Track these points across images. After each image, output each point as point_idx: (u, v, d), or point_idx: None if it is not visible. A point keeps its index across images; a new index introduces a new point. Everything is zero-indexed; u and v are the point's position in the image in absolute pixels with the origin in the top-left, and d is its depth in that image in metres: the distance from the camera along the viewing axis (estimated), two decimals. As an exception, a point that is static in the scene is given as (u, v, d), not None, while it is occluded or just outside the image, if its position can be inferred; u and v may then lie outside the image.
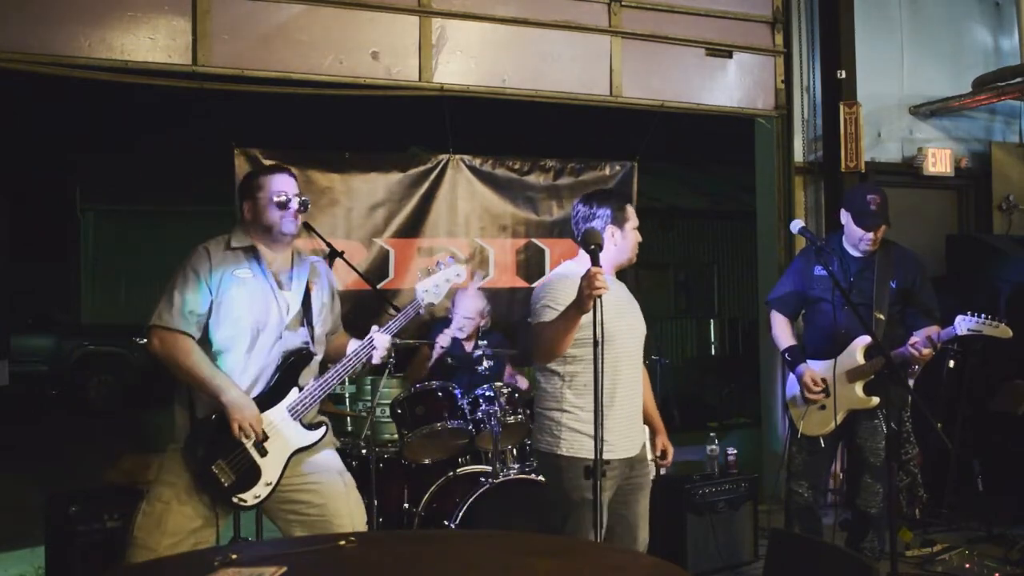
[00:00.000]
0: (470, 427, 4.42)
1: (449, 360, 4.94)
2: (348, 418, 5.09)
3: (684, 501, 4.59)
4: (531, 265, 5.69)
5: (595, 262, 2.78)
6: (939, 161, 6.44)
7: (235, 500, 2.91)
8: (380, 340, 3.06)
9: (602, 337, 2.64)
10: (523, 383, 4.90)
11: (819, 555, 2.49)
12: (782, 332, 4.39)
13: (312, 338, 3.07)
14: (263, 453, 2.94)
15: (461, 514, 4.12)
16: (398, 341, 4.62)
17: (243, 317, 2.95)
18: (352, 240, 5.33)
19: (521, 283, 5.63)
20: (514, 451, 4.60)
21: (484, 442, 4.44)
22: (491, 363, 4.64)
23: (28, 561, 4.70)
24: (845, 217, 4.21)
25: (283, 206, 3.03)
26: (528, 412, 4.32)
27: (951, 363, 5.24)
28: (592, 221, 3.12)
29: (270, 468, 2.96)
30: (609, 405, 2.90)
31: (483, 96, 5.52)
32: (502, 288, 5.63)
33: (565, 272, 3.13)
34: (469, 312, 4.95)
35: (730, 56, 6.11)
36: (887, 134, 6.42)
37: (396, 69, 5.27)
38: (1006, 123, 6.87)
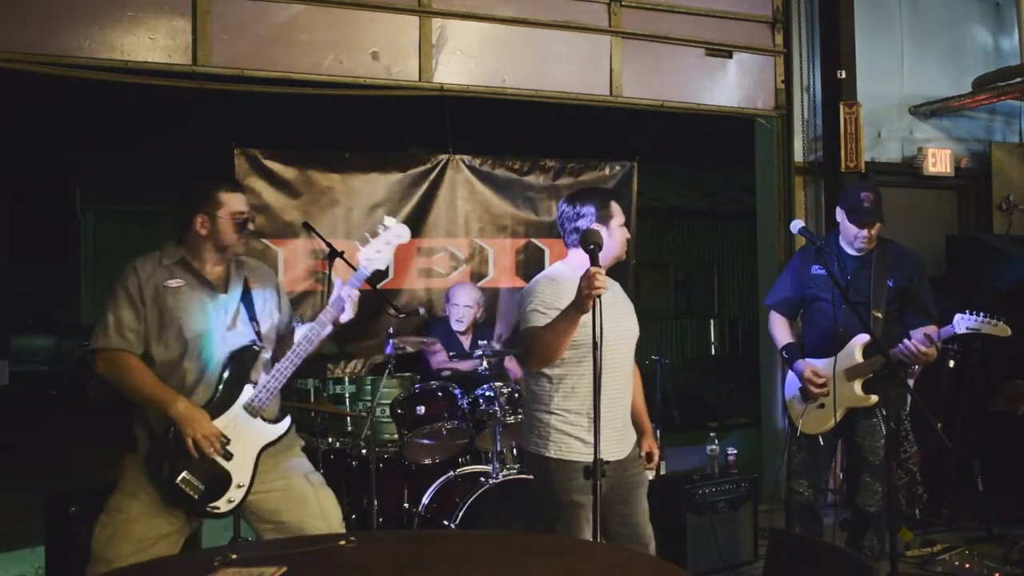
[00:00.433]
0: (470, 427, 4.42)
1: (450, 354, 4.95)
2: (348, 418, 5.09)
3: (684, 501, 4.59)
4: (531, 265, 5.69)
5: (595, 262, 2.77)
6: (939, 161, 6.44)
7: (209, 509, 2.88)
8: (350, 292, 3.01)
9: (600, 338, 2.64)
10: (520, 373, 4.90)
11: (819, 555, 2.49)
12: (780, 331, 4.40)
13: (259, 335, 3.04)
14: (228, 457, 2.90)
15: (461, 514, 4.12)
16: (397, 343, 4.67)
17: (180, 326, 2.93)
18: (352, 240, 5.31)
19: (521, 283, 5.63)
20: (514, 451, 4.61)
21: (484, 442, 4.45)
22: (491, 363, 4.65)
23: (28, 561, 4.70)
24: (840, 215, 4.22)
25: (242, 227, 3.02)
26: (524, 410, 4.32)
27: (951, 363, 5.24)
28: (578, 221, 3.10)
29: (239, 470, 2.92)
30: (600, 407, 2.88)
31: (483, 96, 5.52)
32: (502, 288, 5.64)
33: (551, 274, 3.12)
34: (466, 301, 4.97)
35: (730, 56, 6.11)
36: (887, 134, 6.42)
37: (396, 69, 5.28)
38: (1006, 123, 6.87)
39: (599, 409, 2.65)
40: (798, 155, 6.20)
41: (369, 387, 5.22)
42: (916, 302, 4.17)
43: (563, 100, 5.71)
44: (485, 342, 4.81)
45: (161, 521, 2.88)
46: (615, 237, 3.13)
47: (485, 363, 4.56)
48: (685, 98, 6.01)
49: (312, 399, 5.10)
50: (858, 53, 6.07)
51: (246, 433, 2.95)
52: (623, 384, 3.15)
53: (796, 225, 4.04)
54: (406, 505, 4.54)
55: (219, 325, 2.98)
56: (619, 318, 3.12)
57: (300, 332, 3.11)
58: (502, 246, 5.68)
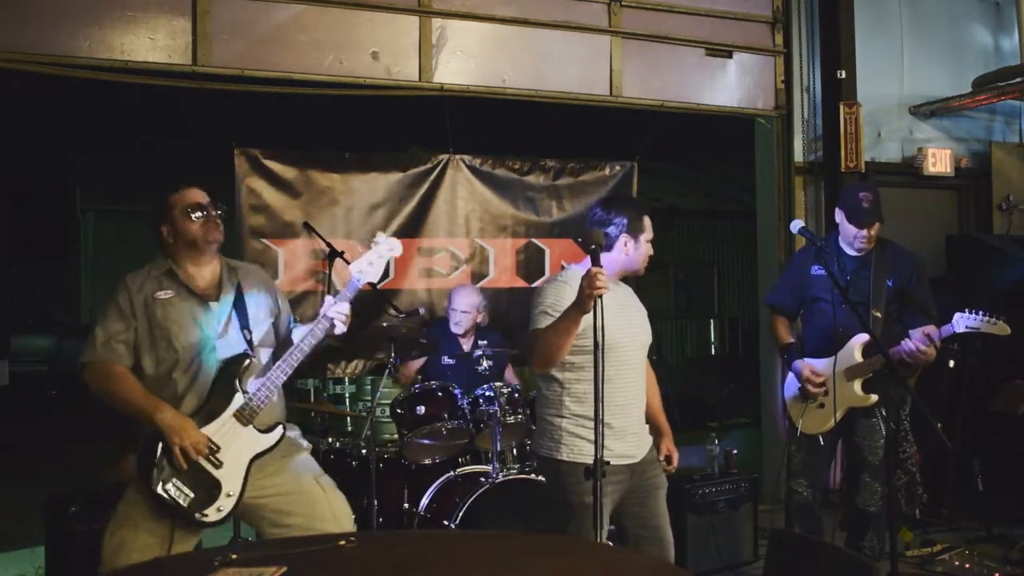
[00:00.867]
0: (470, 427, 4.42)
1: (446, 359, 4.95)
2: (348, 418, 5.09)
3: (684, 501, 4.59)
4: (531, 265, 5.69)
5: (596, 262, 2.78)
6: (939, 161, 6.44)
7: (197, 517, 2.86)
8: (342, 307, 2.97)
9: (603, 341, 2.63)
10: (517, 383, 4.90)
11: (819, 555, 2.49)
12: (781, 331, 4.40)
13: (251, 343, 3.01)
14: (218, 465, 2.88)
15: (461, 514, 4.12)
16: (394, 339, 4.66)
17: (171, 338, 2.92)
18: (352, 240, 5.33)
19: (521, 283, 5.63)
20: (514, 451, 4.60)
21: (484, 442, 4.45)
22: (491, 363, 4.65)
23: (28, 561, 4.69)
24: (839, 216, 4.22)
25: (202, 215, 2.99)
26: (528, 412, 4.33)
27: (951, 363, 5.25)
28: (607, 227, 3.10)
29: (229, 479, 2.90)
30: (611, 412, 2.88)
31: (483, 96, 5.52)
32: (502, 288, 5.64)
33: (563, 277, 3.12)
34: (465, 306, 4.95)
35: (730, 56, 6.11)
36: (887, 134, 6.42)
37: (396, 69, 5.28)
38: (1006, 123, 6.87)
39: (600, 409, 2.64)
40: (798, 155, 6.20)
41: (369, 387, 5.23)
42: (916, 302, 4.17)
43: (563, 100, 5.71)
44: (485, 341, 4.81)
45: (158, 528, 2.87)
46: (640, 251, 3.15)
47: (485, 363, 4.56)
48: (685, 98, 6.01)
49: (312, 399, 5.11)
50: (858, 53, 6.07)
51: (237, 441, 2.93)
52: (636, 388, 3.15)
53: (796, 225, 4.04)
54: (406, 505, 4.54)
55: (210, 334, 2.97)
56: (630, 322, 3.12)
57: (296, 335, 3.10)
58: (503, 246, 5.68)
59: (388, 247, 3.08)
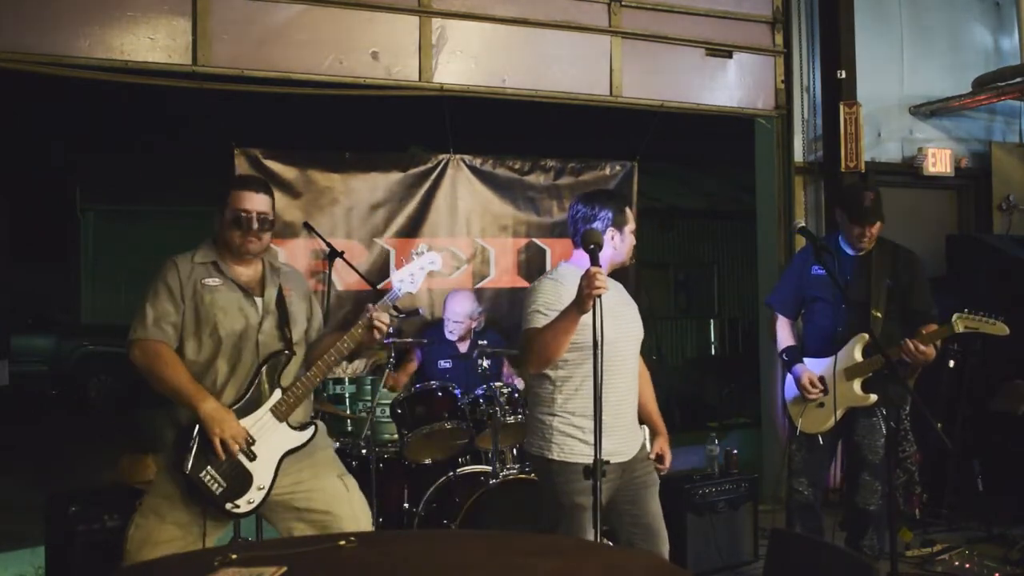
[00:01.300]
0: (470, 427, 4.42)
1: (442, 363, 4.95)
2: (348, 418, 5.09)
3: (684, 501, 4.59)
4: (532, 265, 5.69)
5: (595, 262, 2.77)
6: (939, 161, 6.44)
7: (228, 507, 2.89)
8: (381, 317, 2.98)
9: (601, 338, 2.63)
10: (520, 383, 4.91)
11: (819, 555, 2.49)
12: (781, 332, 4.40)
13: (290, 341, 3.05)
14: (252, 458, 2.92)
15: (461, 514, 4.12)
16: (396, 340, 4.67)
17: (216, 324, 2.95)
18: (353, 240, 5.33)
19: (522, 283, 5.63)
20: (514, 451, 4.60)
21: (484, 442, 4.44)
22: (490, 362, 4.64)
23: (28, 561, 4.69)
24: (840, 215, 4.22)
25: (239, 224, 3.00)
26: (528, 412, 4.32)
27: (951, 363, 5.25)
28: (593, 222, 3.09)
29: (261, 472, 2.94)
30: (603, 410, 2.87)
31: (483, 96, 5.53)
32: (503, 288, 5.64)
33: (554, 275, 3.11)
34: (457, 316, 4.96)
35: (730, 56, 6.11)
36: (887, 134, 6.42)
37: (396, 69, 5.28)
38: (1006, 123, 6.87)
39: (600, 409, 2.64)
40: (798, 155, 6.20)
41: (369, 387, 5.22)
42: (915, 302, 4.17)
43: (563, 100, 5.71)
44: (485, 341, 4.81)
45: (175, 522, 2.89)
46: (627, 243, 3.14)
47: (485, 362, 4.56)
48: (685, 98, 6.01)
49: (312, 399, 5.09)
50: (858, 53, 6.07)
51: (271, 436, 2.96)
52: (627, 386, 3.14)
53: (796, 225, 4.03)
54: (406, 505, 4.54)
55: (252, 327, 3.00)
56: (622, 320, 3.11)
57: (329, 339, 3.10)
58: (503, 246, 5.68)
59: (430, 260, 3.12)
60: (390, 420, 4.70)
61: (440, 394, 4.48)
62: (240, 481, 2.90)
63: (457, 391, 4.49)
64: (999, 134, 6.82)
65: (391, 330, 4.65)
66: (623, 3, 5.77)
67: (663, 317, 12.84)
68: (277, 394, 2.99)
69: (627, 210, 3.17)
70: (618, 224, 3.11)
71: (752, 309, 9.06)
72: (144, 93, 5.23)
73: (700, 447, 5.04)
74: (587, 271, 2.72)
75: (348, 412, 4.96)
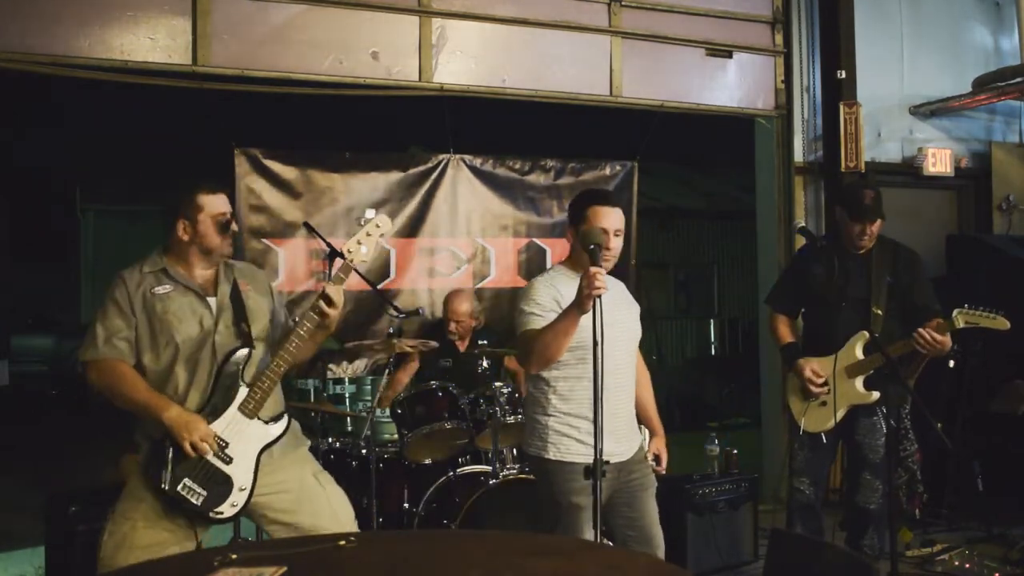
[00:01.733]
0: (470, 427, 4.42)
1: (443, 363, 4.95)
2: (348, 418, 5.09)
3: (684, 501, 4.59)
4: (533, 265, 5.69)
5: (595, 262, 2.77)
6: (939, 161, 6.44)
7: (212, 515, 2.86)
8: (333, 289, 2.93)
9: (601, 338, 2.63)
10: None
11: (819, 554, 2.49)
12: (781, 331, 4.40)
13: (249, 336, 3.00)
14: (228, 460, 2.88)
15: (461, 514, 4.12)
16: (398, 345, 4.66)
17: (172, 331, 2.92)
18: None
19: (523, 283, 5.61)
20: (514, 451, 4.60)
21: (484, 442, 4.44)
22: (489, 362, 4.65)
23: (28, 561, 4.69)
24: (840, 214, 4.22)
25: (225, 228, 2.99)
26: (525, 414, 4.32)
27: (951, 363, 5.24)
28: (578, 224, 3.06)
29: (240, 474, 2.90)
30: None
31: (483, 96, 5.53)
32: (504, 288, 5.64)
33: (548, 276, 3.11)
34: (459, 314, 4.96)
35: (730, 56, 6.11)
36: (887, 134, 6.42)
37: (396, 69, 5.28)
38: (1006, 123, 6.87)
39: (599, 409, 2.63)
40: (798, 155, 6.20)
41: (369, 387, 5.23)
42: (918, 298, 4.17)
43: (563, 100, 5.71)
44: (484, 341, 4.81)
45: (167, 526, 2.86)
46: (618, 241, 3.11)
47: (485, 362, 4.56)
48: (685, 98, 6.01)
49: (312, 399, 5.11)
50: (858, 53, 6.07)
51: (244, 435, 2.92)
52: (624, 385, 3.14)
53: (796, 225, 4.02)
54: (406, 505, 4.54)
55: (208, 330, 2.96)
56: (619, 319, 3.10)
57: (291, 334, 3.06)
58: (504, 246, 5.69)
59: (376, 223, 3.05)
60: (390, 420, 4.71)
61: (440, 394, 4.48)
62: (220, 487, 2.87)
63: (457, 391, 4.49)
64: (999, 134, 6.82)
65: (392, 330, 4.66)
66: (623, 3, 5.77)
67: (663, 317, 12.83)
68: (243, 392, 2.93)
69: (588, 210, 3.05)
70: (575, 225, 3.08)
71: (752, 309, 9.05)
72: (144, 93, 5.23)
73: (700, 447, 5.03)
74: (587, 271, 2.72)
75: (348, 412, 4.97)
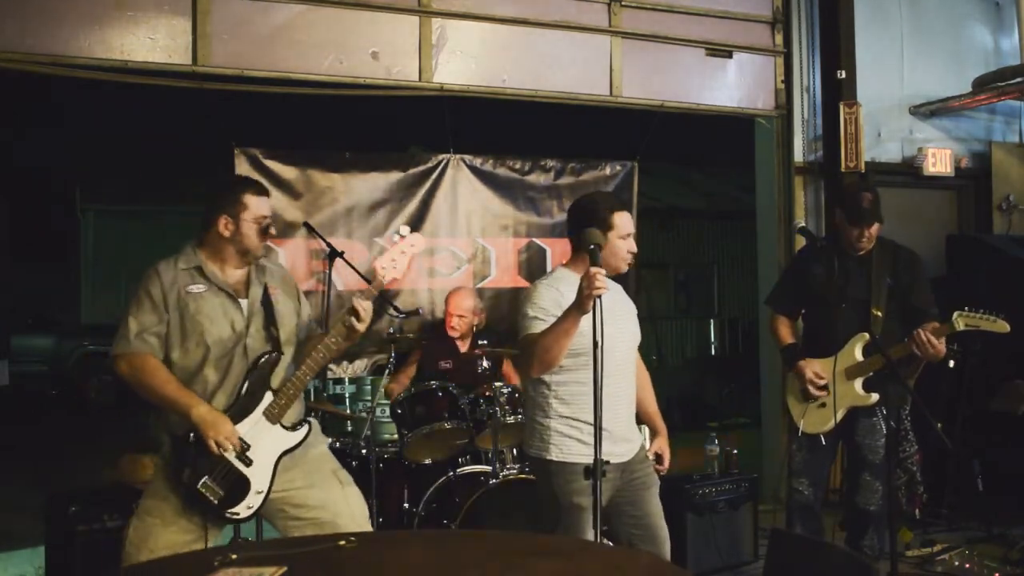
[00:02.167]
0: (470, 427, 4.42)
1: (443, 363, 4.94)
2: (348, 418, 5.09)
3: (684, 501, 4.59)
4: (533, 265, 5.69)
5: (595, 262, 2.77)
6: (939, 161, 6.44)
7: (228, 515, 2.89)
8: (362, 304, 2.96)
9: (602, 339, 2.63)
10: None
11: (819, 555, 2.49)
12: (782, 332, 4.39)
13: (278, 341, 3.03)
14: (248, 463, 2.91)
15: (461, 514, 4.12)
16: (396, 336, 4.67)
17: (202, 332, 2.93)
18: (353, 240, 5.33)
19: (523, 283, 5.63)
20: (514, 451, 4.60)
21: (484, 442, 4.44)
22: (490, 363, 4.64)
23: (28, 561, 4.70)
24: (839, 216, 4.22)
25: (265, 232, 3.02)
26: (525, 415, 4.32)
27: (951, 363, 5.24)
28: (581, 225, 3.08)
29: (259, 477, 2.93)
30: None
31: (483, 96, 5.53)
32: (504, 288, 5.65)
33: (550, 278, 3.10)
34: (461, 310, 4.95)
35: (730, 56, 6.11)
36: (887, 134, 6.42)
37: (396, 69, 5.28)
38: (1006, 123, 6.87)
39: (600, 410, 2.63)
40: (798, 155, 6.20)
41: (369, 387, 5.23)
42: (916, 300, 4.17)
43: (563, 100, 5.71)
44: (485, 342, 4.80)
45: (176, 528, 2.89)
46: (613, 247, 3.08)
47: (485, 362, 4.56)
48: (685, 98, 6.01)
49: (312, 399, 5.10)
50: (858, 53, 6.07)
51: (266, 439, 2.95)
52: (624, 387, 3.14)
53: (796, 225, 4.02)
54: (406, 505, 4.54)
55: (239, 333, 2.98)
56: (619, 321, 3.10)
57: (318, 341, 3.08)
58: (504, 246, 5.69)
59: (411, 242, 3.10)
60: (390, 420, 4.70)
61: (440, 394, 4.47)
62: (238, 487, 2.90)
63: (457, 391, 4.49)
64: (999, 134, 6.82)
65: (392, 330, 4.68)
66: (623, 3, 5.77)
67: (663, 317, 12.84)
68: (268, 397, 2.97)
69: (614, 215, 3.06)
70: (604, 228, 3.07)
71: (752, 309, 9.05)
72: (144, 93, 5.23)
73: (700, 447, 5.03)
74: (587, 271, 2.72)
75: (348, 412, 4.97)
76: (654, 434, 3.34)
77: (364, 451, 4.47)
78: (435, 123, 5.42)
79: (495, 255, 5.67)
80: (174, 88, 4.93)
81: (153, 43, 4.79)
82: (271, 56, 5.00)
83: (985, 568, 4.59)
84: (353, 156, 5.43)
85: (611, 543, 3.17)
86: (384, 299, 5.22)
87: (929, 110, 6.47)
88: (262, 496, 2.93)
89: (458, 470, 4.46)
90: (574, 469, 2.93)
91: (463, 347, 5.00)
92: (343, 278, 5.23)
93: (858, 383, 4.07)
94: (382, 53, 5.24)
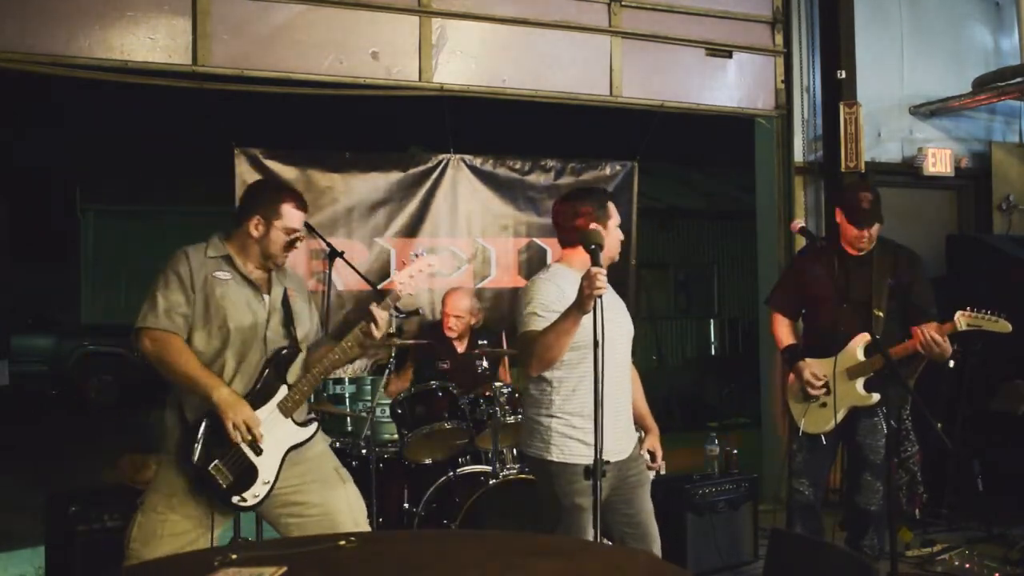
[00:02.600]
0: (470, 427, 4.42)
1: (442, 365, 4.94)
2: (348, 418, 5.09)
3: (684, 501, 4.59)
4: (533, 264, 5.69)
5: (596, 262, 2.77)
6: (939, 161, 6.44)
7: (235, 501, 2.91)
8: (379, 313, 3.01)
9: (602, 338, 2.63)
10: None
11: (819, 554, 2.49)
12: (782, 332, 4.39)
13: (295, 339, 3.09)
14: (258, 452, 2.94)
15: (461, 514, 4.12)
16: (397, 341, 4.67)
17: (225, 317, 2.96)
18: (353, 240, 5.33)
19: (523, 283, 5.61)
20: (514, 451, 4.60)
21: (484, 442, 4.44)
22: (489, 363, 4.64)
23: (28, 561, 4.70)
24: (839, 216, 4.22)
25: (291, 245, 3.07)
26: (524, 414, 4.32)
27: (951, 363, 5.24)
28: (575, 220, 3.08)
29: (267, 467, 2.96)
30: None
31: (483, 96, 5.53)
32: (504, 288, 5.65)
33: (548, 276, 3.11)
34: (458, 311, 4.95)
35: (730, 56, 6.11)
36: (887, 134, 6.42)
37: (396, 69, 5.28)
38: (1006, 123, 6.87)
39: (600, 409, 2.63)
40: (798, 155, 6.20)
41: (369, 387, 5.23)
42: (917, 301, 4.17)
43: (563, 100, 5.71)
44: (485, 342, 4.80)
45: (182, 518, 2.91)
46: (612, 238, 3.12)
47: (485, 362, 4.55)
48: (685, 98, 6.01)
49: (312, 399, 5.10)
50: (858, 53, 6.07)
51: (277, 431, 2.99)
52: (623, 383, 3.14)
53: (796, 225, 4.02)
54: (406, 505, 4.54)
55: (261, 324, 3.02)
56: (615, 317, 3.10)
57: (331, 346, 3.13)
58: (504, 246, 5.69)
59: (429, 261, 3.17)
60: (390, 420, 4.70)
61: (440, 394, 4.48)
62: (246, 475, 2.93)
63: (456, 391, 4.49)
64: (999, 134, 6.82)
65: (392, 328, 4.68)
66: (623, 3, 5.77)
67: (663, 317, 12.85)
68: (283, 390, 3.02)
69: (609, 205, 3.14)
70: (601, 219, 3.09)
71: (752, 309, 9.05)
72: (144, 93, 5.23)
73: (700, 447, 5.03)
74: (588, 271, 2.72)
75: (348, 412, 4.97)
76: (646, 432, 3.33)
77: (364, 451, 4.47)
78: (435, 123, 5.42)
79: (495, 255, 5.67)
80: (174, 88, 4.93)
81: (153, 43, 4.79)
82: (271, 56, 5.00)
83: (985, 568, 4.59)
84: (353, 156, 5.43)
85: (610, 542, 3.17)
86: (384, 299, 5.22)
87: (929, 110, 6.47)
88: (268, 487, 2.96)
89: (458, 470, 4.46)
90: (575, 470, 2.93)
91: (460, 347, 5.00)
92: (343, 278, 5.23)
93: (859, 383, 4.07)
94: (382, 53, 5.24)
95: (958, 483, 5.44)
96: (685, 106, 6.02)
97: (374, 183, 5.42)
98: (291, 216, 3.06)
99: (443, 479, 4.40)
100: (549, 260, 5.66)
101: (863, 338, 4.05)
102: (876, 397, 4.03)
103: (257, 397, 2.97)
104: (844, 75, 5.99)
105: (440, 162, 5.56)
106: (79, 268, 15.40)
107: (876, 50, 6.32)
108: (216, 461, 2.89)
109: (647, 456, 3.26)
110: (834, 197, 5.82)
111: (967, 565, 4.64)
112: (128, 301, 13.83)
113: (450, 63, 5.40)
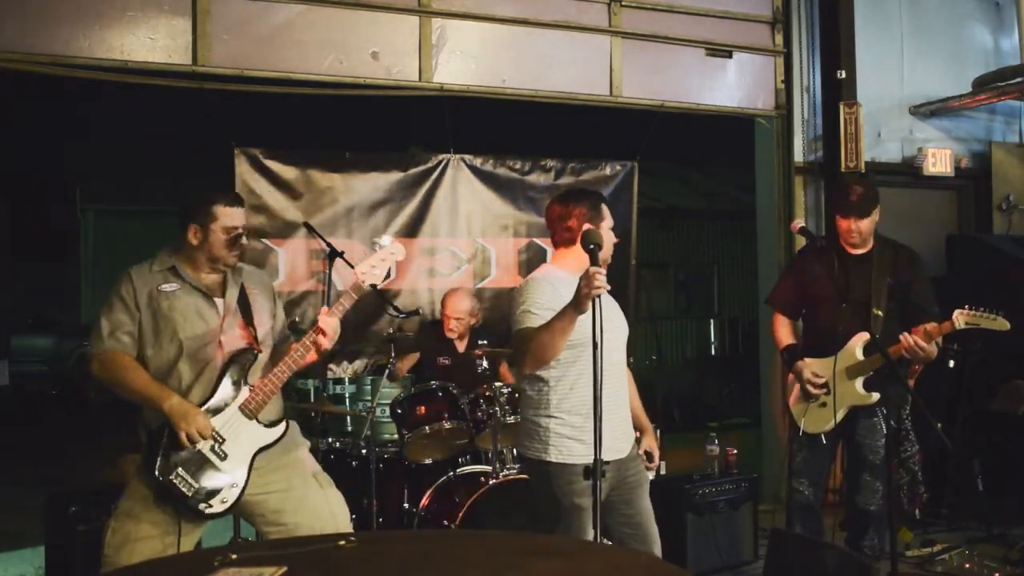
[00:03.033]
0: (470, 427, 4.42)
1: (442, 361, 4.94)
2: (348, 418, 5.09)
3: (684, 501, 4.59)
4: (533, 264, 5.68)
5: (594, 262, 2.76)
6: (939, 161, 6.44)
7: (202, 508, 2.88)
8: (327, 322, 2.97)
9: (601, 339, 2.63)
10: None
11: (819, 554, 2.49)
12: (782, 332, 4.39)
13: (256, 339, 3.06)
14: (223, 456, 2.91)
15: (461, 514, 4.12)
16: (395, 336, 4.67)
17: (175, 328, 2.95)
18: (353, 240, 5.33)
19: (523, 283, 5.64)
20: (514, 451, 4.60)
21: (484, 442, 4.44)
22: (489, 363, 4.64)
23: (28, 561, 4.70)
24: (833, 212, 4.23)
25: (234, 243, 3.03)
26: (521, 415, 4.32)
27: (951, 363, 5.24)
28: (569, 220, 3.09)
29: (234, 471, 2.93)
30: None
31: (483, 96, 5.52)
32: (504, 288, 5.65)
33: (543, 274, 3.11)
34: (458, 312, 4.95)
35: (730, 56, 6.11)
36: (887, 134, 6.42)
37: (396, 69, 5.28)
38: (1006, 123, 6.87)
39: (600, 409, 2.63)
40: (798, 155, 6.20)
41: (369, 387, 5.22)
42: (916, 300, 4.17)
43: (563, 100, 5.71)
44: (484, 341, 4.80)
45: (148, 524, 2.89)
46: (605, 239, 3.11)
47: (485, 362, 4.55)
48: (685, 98, 6.01)
49: (312, 399, 5.10)
50: (858, 53, 6.07)
51: (241, 434, 2.96)
52: (620, 382, 3.14)
53: (796, 225, 4.02)
54: (406, 505, 4.54)
55: (213, 329, 2.99)
56: (611, 317, 3.09)
57: (293, 345, 3.09)
58: (504, 246, 5.69)
59: (391, 251, 3.09)
60: (390, 420, 4.70)
61: (440, 394, 4.47)
62: (212, 481, 2.90)
63: (456, 391, 4.49)
64: (999, 134, 6.82)
65: (392, 330, 4.67)
66: (623, 3, 5.77)
67: (663, 317, 12.84)
68: (245, 392, 2.98)
69: (602, 206, 3.14)
70: (593, 221, 3.09)
71: (752, 309, 9.05)
72: (144, 93, 5.23)
73: (700, 447, 5.03)
74: (587, 271, 2.71)
75: (348, 412, 4.96)
76: (642, 432, 3.32)
77: (364, 451, 4.46)
78: (435, 123, 5.42)
79: (495, 255, 5.67)
80: (174, 88, 4.93)
81: (153, 43, 4.79)
82: (271, 56, 5.00)
83: (985, 568, 4.59)
84: (353, 156, 5.44)
85: (610, 542, 3.17)
86: (384, 299, 5.22)
87: (929, 110, 6.47)
88: (237, 491, 2.93)
89: (458, 470, 4.46)
90: (574, 470, 2.93)
91: (461, 347, 5.00)
92: (343, 278, 5.22)
93: (859, 383, 4.06)
94: (382, 53, 5.24)
95: (958, 483, 5.44)
96: (685, 106, 6.02)
97: (374, 183, 5.42)
98: (225, 215, 3.02)
99: (443, 479, 4.40)
100: (549, 260, 5.68)
101: (862, 337, 4.05)
102: (876, 396, 4.03)
103: (216, 403, 2.94)
104: (844, 75, 5.99)
105: (440, 162, 5.57)
106: (79, 268, 15.42)
107: (876, 50, 6.32)
108: (179, 469, 2.86)
109: (643, 456, 3.26)
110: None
111: (967, 565, 4.64)
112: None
113: (450, 63, 5.40)
